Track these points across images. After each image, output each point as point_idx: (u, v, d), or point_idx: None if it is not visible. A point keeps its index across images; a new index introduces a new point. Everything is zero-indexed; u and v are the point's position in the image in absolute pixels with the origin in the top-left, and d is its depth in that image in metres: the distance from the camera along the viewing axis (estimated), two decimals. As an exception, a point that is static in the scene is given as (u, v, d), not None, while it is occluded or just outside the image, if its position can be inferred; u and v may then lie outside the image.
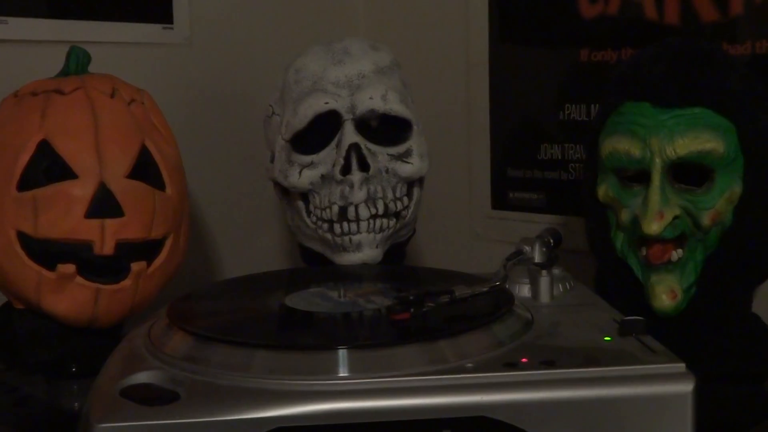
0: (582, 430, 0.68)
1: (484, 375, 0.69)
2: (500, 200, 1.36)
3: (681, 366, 0.70)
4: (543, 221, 1.25)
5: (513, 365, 0.70)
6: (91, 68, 1.04)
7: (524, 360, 0.71)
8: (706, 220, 0.91)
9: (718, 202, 0.91)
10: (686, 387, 0.68)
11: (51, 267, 0.94)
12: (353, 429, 0.66)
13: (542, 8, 1.28)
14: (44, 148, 0.94)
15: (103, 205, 0.93)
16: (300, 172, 1.04)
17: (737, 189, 0.91)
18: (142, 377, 0.72)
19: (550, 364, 0.70)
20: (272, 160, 1.09)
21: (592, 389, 0.68)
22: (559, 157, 1.28)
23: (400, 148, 1.05)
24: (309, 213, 1.06)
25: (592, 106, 1.22)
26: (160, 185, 0.99)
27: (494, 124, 1.35)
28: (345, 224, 1.02)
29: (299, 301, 0.85)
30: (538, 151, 1.30)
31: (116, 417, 0.65)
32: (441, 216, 1.42)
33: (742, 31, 1.09)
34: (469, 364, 0.70)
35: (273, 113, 1.10)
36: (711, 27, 1.11)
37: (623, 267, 0.96)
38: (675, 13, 1.14)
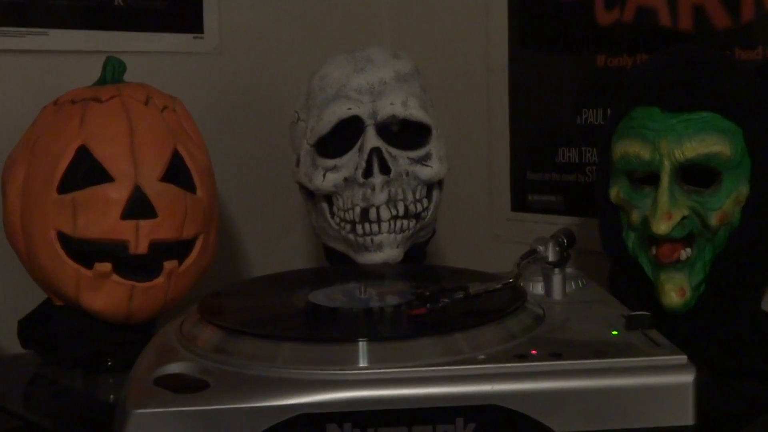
0: (588, 418, 0.69)
1: (495, 366, 0.70)
2: (520, 202, 1.36)
3: (683, 358, 0.71)
4: (561, 223, 1.23)
5: (523, 357, 0.72)
6: (126, 76, 1.05)
7: (534, 352, 0.73)
8: (713, 220, 0.91)
9: (726, 203, 0.91)
10: (687, 378, 0.70)
11: (89, 265, 0.96)
12: (372, 416, 0.68)
13: (560, 16, 1.28)
14: (83, 153, 0.96)
15: (138, 206, 0.95)
16: (324, 175, 1.05)
17: (744, 190, 0.92)
18: (174, 368, 0.74)
19: (558, 355, 0.72)
20: (298, 164, 1.10)
21: (598, 379, 0.70)
22: (577, 161, 1.28)
23: (419, 152, 1.06)
24: (332, 214, 1.07)
25: (608, 110, 1.21)
26: (191, 188, 1.00)
27: (514, 129, 1.35)
28: (367, 225, 1.04)
29: (323, 297, 0.87)
30: (556, 155, 1.30)
31: (151, 403, 0.68)
32: (462, 218, 1.41)
33: (754, 36, 1.09)
34: (482, 356, 0.72)
35: (298, 119, 1.11)
36: (724, 33, 1.11)
37: (635, 266, 0.97)
38: (688, 20, 1.14)
